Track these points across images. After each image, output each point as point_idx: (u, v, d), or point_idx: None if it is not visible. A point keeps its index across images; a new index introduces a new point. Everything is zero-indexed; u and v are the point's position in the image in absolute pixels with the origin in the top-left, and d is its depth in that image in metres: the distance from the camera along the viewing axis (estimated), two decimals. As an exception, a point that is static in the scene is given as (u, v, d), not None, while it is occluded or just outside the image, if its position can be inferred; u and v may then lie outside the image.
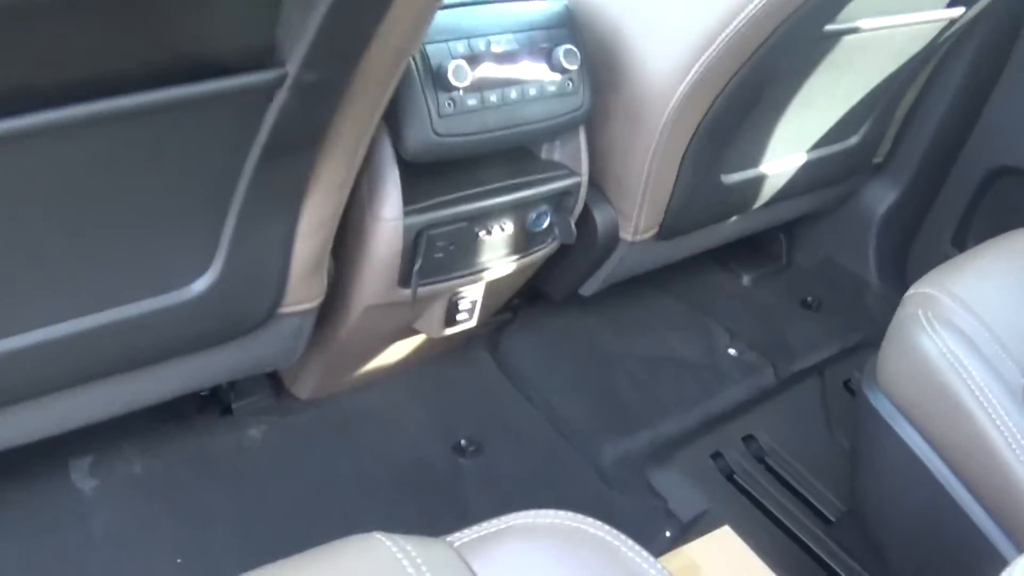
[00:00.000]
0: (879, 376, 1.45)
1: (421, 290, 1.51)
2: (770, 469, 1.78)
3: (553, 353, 1.92)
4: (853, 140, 1.94)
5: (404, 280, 1.47)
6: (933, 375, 1.35)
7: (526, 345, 1.94)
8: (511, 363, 1.90)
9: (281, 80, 1.01)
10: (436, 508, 1.62)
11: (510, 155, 1.55)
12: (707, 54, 1.45)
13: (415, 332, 1.68)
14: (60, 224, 1.05)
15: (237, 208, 1.16)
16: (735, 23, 1.40)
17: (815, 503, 1.72)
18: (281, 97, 1.02)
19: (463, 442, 1.71)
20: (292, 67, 1.00)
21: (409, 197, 1.42)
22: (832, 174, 1.99)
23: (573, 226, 1.59)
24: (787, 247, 2.32)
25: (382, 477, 1.64)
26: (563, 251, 1.72)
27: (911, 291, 1.45)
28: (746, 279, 2.25)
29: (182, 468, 1.58)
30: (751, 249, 2.26)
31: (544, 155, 1.59)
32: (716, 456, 1.77)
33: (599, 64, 1.56)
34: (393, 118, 1.34)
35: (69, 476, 1.53)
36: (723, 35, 1.42)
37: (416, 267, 1.43)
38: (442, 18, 1.36)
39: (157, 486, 1.54)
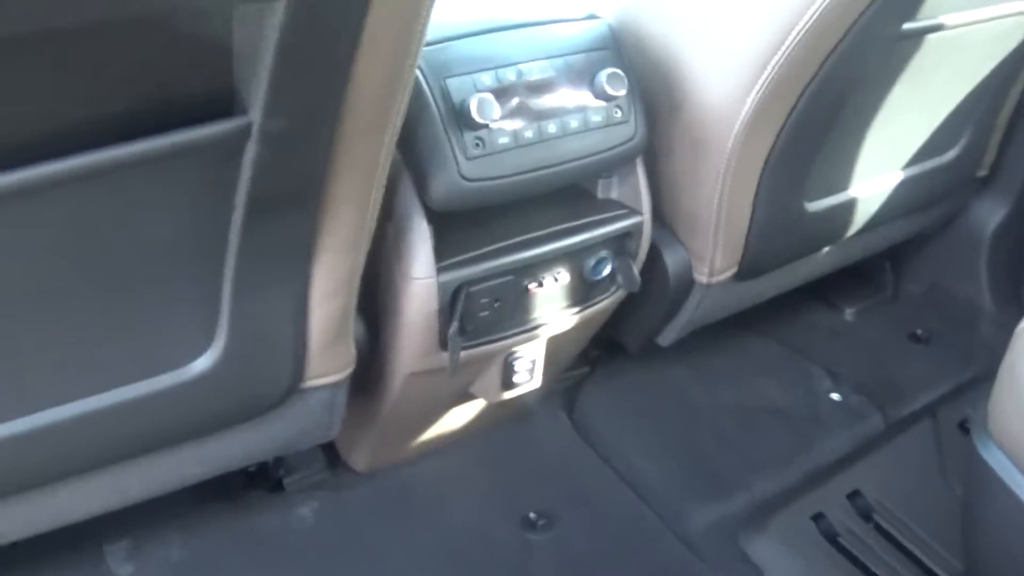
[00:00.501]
0: (991, 423, 1.25)
1: (467, 353, 1.36)
2: (879, 528, 1.57)
3: (634, 409, 1.75)
4: (952, 153, 1.73)
5: (445, 343, 1.32)
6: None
7: (605, 402, 1.77)
8: (588, 422, 1.73)
9: (246, 130, 0.91)
10: (503, 591, 1.46)
11: (560, 196, 1.40)
12: (771, 67, 1.27)
13: (474, 396, 1.52)
14: (31, 301, 0.96)
15: (231, 275, 1.04)
16: (798, 29, 1.24)
17: (930, 564, 1.51)
18: (252, 149, 0.92)
19: (532, 515, 1.54)
20: (255, 115, 0.90)
21: (444, 251, 1.28)
22: (932, 192, 1.78)
23: (636, 272, 1.42)
24: (893, 275, 2.10)
25: (443, 557, 1.48)
26: (633, 298, 1.55)
27: (1021, 326, 1.25)
28: (849, 313, 2.04)
29: (225, 551, 1.46)
30: (853, 279, 2.05)
31: (600, 194, 1.44)
32: (818, 517, 1.57)
33: (654, 89, 1.41)
34: (416, 165, 1.21)
35: (105, 561, 1.43)
36: (786, 43, 1.25)
37: (452, 330, 1.27)
38: (466, 47, 1.24)
39: (198, 572, 1.43)
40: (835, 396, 1.80)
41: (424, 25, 0.94)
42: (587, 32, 1.31)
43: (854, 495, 1.61)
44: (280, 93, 0.88)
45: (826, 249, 1.70)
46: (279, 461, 1.57)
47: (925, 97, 1.56)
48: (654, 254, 1.50)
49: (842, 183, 1.58)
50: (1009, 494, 1.21)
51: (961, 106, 1.64)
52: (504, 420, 1.70)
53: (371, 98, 0.97)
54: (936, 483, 1.64)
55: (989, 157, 1.86)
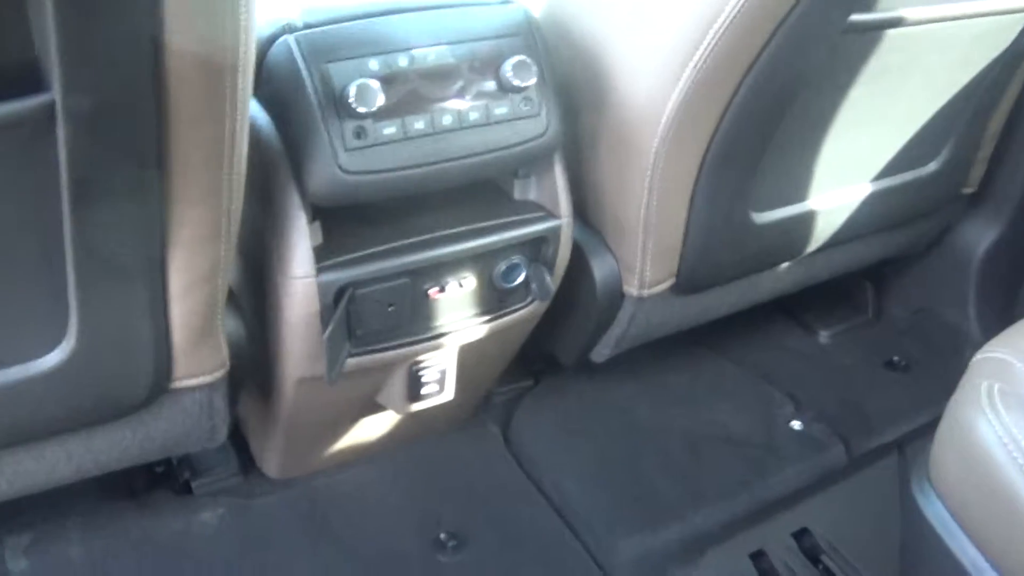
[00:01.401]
0: (931, 468, 1.12)
1: (360, 360, 1.27)
2: (826, 571, 1.43)
3: (574, 428, 1.63)
4: (932, 166, 1.58)
5: (333, 348, 1.22)
6: (990, 471, 1.01)
7: (542, 418, 1.65)
8: (522, 440, 1.62)
9: (50, 109, 0.84)
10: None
11: (471, 195, 1.30)
12: (696, 61, 1.16)
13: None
14: None
15: (72, 266, 0.97)
16: (722, 20, 1.12)
17: (873, 615, 1.38)
18: (62, 131, 0.85)
19: (443, 535, 1.44)
20: (57, 93, 0.83)
21: (333, 249, 1.19)
22: (910, 208, 1.64)
23: (550, 281, 1.31)
24: (874, 296, 1.96)
25: (345, 574, 1.38)
26: (562, 309, 1.44)
27: (979, 355, 1.13)
28: (824, 336, 1.90)
29: (123, 553, 1.39)
30: (831, 300, 1.92)
31: (517, 195, 1.33)
32: (758, 555, 1.44)
33: (579, 83, 1.29)
34: (293, 156, 1.12)
35: (4, 555, 1.37)
36: (710, 36, 1.13)
37: (326, 333, 1.17)
38: (355, 30, 1.14)
39: (89, 573, 1.36)
40: (795, 424, 1.66)
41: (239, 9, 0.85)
42: (498, 17, 1.20)
43: (802, 533, 1.48)
44: (73, 68, 0.82)
45: (784, 265, 1.56)
46: (184, 462, 1.51)
47: (894, 103, 1.42)
48: (581, 262, 1.39)
49: (796, 194, 1.44)
50: (946, 552, 1.08)
51: (940, 115, 1.49)
52: (431, 433, 1.60)
53: (193, 82, 0.88)
54: (895, 526, 1.50)
55: (977, 172, 1.70)
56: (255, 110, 1.15)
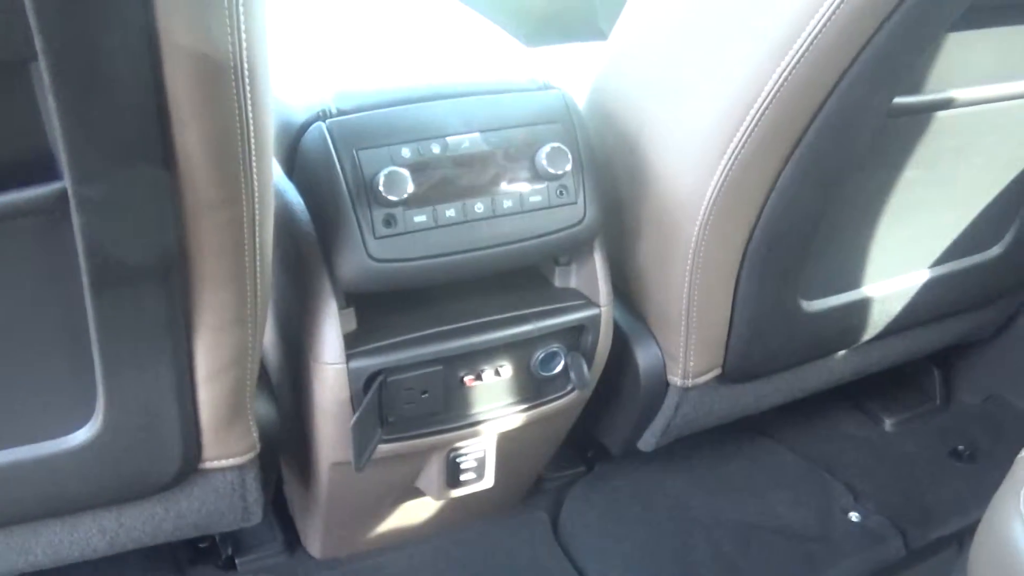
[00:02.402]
0: (969, 570, 1.06)
1: (394, 447, 1.26)
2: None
3: (625, 517, 1.59)
4: (996, 250, 1.52)
5: (365, 435, 1.21)
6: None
7: (593, 506, 1.61)
8: (571, 528, 1.58)
9: (63, 196, 0.86)
10: None
11: (511, 283, 1.28)
12: (736, 141, 1.13)
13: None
14: None
15: (97, 348, 0.98)
16: (761, 100, 1.09)
17: None
18: (77, 218, 0.87)
19: (483, 625, 1.41)
20: (68, 181, 0.84)
21: (368, 335, 1.18)
22: (974, 294, 1.58)
23: (586, 371, 1.28)
24: (942, 382, 1.88)
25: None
26: (606, 398, 1.42)
27: (1023, 453, 1.07)
28: (888, 424, 1.83)
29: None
30: (897, 386, 1.85)
31: (557, 282, 1.30)
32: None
33: (623, 169, 1.28)
34: (324, 242, 1.12)
35: None
36: (750, 116, 1.11)
37: (354, 419, 1.16)
38: (388, 117, 1.14)
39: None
40: (853, 516, 1.59)
41: (244, 91, 0.85)
42: (535, 103, 1.19)
43: (855, 630, 1.42)
44: (79, 157, 0.83)
45: (840, 354, 1.51)
46: (228, 538, 1.50)
47: (952, 186, 1.37)
48: (625, 350, 1.36)
49: (850, 281, 1.40)
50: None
51: (1002, 197, 1.44)
52: (477, 518, 1.57)
53: (205, 168, 0.89)
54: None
55: (1044, 256, 1.63)
56: (291, 195, 1.16)
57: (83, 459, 1.07)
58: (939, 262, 1.48)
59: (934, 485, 1.69)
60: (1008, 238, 1.52)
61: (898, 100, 1.17)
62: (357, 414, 1.16)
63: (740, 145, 1.13)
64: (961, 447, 1.76)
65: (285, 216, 1.16)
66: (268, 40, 0.88)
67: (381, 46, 1.36)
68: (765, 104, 1.09)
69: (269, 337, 1.30)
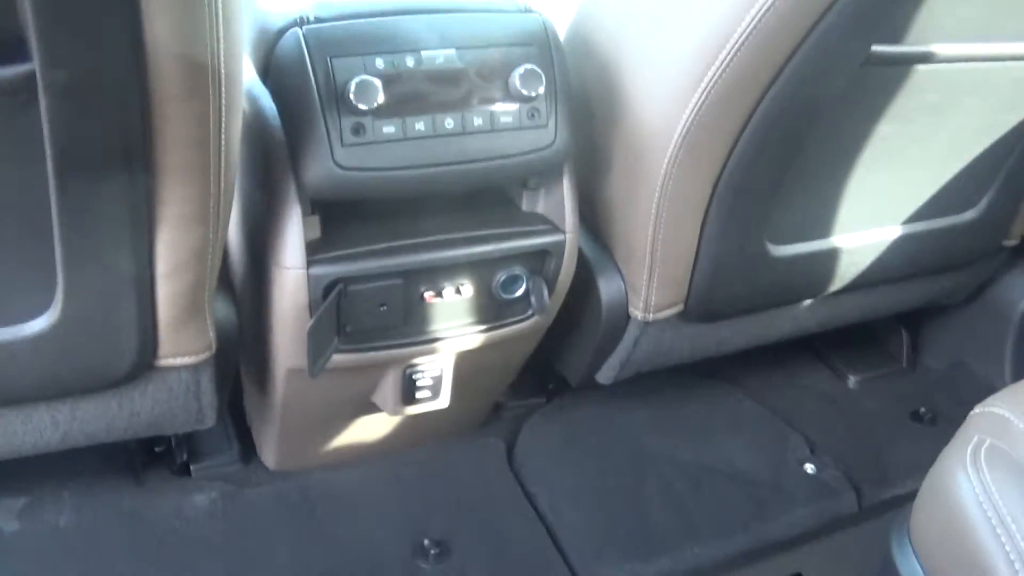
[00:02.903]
0: (912, 524, 1.07)
1: (351, 358, 1.26)
2: (812, 620, 1.39)
3: (580, 449, 1.61)
4: (970, 214, 1.52)
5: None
6: (966, 532, 0.97)
7: (549, 437, 1.63)
8: (525, 456, 1.60)
9: (30, 79, 0.86)
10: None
11: (477, 204, 1.28)
12: (709, 76, 1.13)
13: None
14: None
15: (59, 236, 0.98)
16: (737, 36, 1.09)
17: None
18: (44, 101, 0.87)
19: (426, 542, 1.42)
20: (37, 64, 0.85)
21: (329, 244, 1.18)
22: (945, 257, 1.58)
23: (546, 295, 1.29)
24: (910, 345, 1.89)
25: (322, 573, 1.37)
26: (568, 326, 1.42)
27: (978, 408, 1.08)
28: (853, 381, 1.84)
29: (110, 527, 1.41)
30: (864, 345, 1.86)
31: (525, 206, 1.31)
32: (745, 596, 1.39)
33: (598, 98, 1.28)
34: (292, 147, 1.12)
35: None
36: (724, 51, 1.11)
37: (310, 324, 1.17)
38: (364, 28, 1.14)
39: (77, 542, 1.38)
40: (809, 468, 1.61)
41: None
42: (513, 25, 1.19)
43: (794, 578, 1.43)
44: (49, 39, 0.83)
45: (806, 303, 1.52)
46: (184, 444, 1.52)
47: (929, 144, 1.36)
48: (589, 279, 1.37)
49: (819, 230, 1.40)
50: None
51: (980, 160, 1.43)
52: (433, 440, 1.59)
53: (173, 59, 0.89)
54: (894, 581, 1.45)
55: (1020, 225, 1.63)
56: (264, 100, 1.16)
57: (39, 347, 1.07)
58: (911, 220, 1.48)
59: (892, 445, 1.70)
60: (983, 203, 1.52)
61: (876, 48, 1.16)
62: (313, 319, 1.17)
63: (714, 79, 1.13)
64: (923, 410, 1.77)
65: (256, 120, 1.16)
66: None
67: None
68: (740, 41, 1.09)
69: (234, 241, 1.31)
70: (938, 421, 1.75)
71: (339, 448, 1.52)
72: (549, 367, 1.61)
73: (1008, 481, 0.97)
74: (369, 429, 1.50)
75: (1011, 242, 1.65)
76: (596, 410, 1.68)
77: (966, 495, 0.97)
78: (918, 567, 1.05)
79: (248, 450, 1.56)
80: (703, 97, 1.15)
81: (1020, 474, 0.97)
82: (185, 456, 1.51)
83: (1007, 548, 0.92)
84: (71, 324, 1.06)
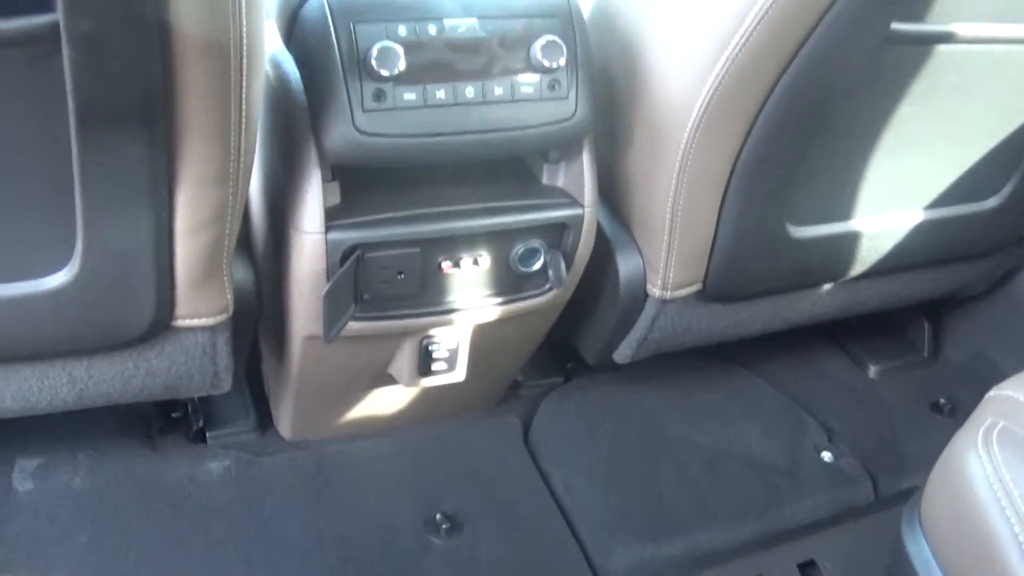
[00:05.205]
0: (923, 507, 1.06)
1: (367, 326, 1.27)
2: (824, 607, 1.38)
3: (596, 430, 1.60)
4: (992, 201, 1.51)
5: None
6: (976, 513, 0.96)
7: (566, 416, 1.63)
8: (541, 434, 1.60)
9: (54, 30, 0.87)
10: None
11: (497, 175, 1.29)
12: (729, 51, 1.13)
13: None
14: None
15: (79, 190, 0.99)
16: (757, 11, 1.09)
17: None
18: (67, 53, 0.88)
19: (438, 516, 1.42)
20: (61, 14, 0.86)
21: (348, 210, 1.19)
22: (966, 245, 1.56)
23: (564, 269, 1.29)
24: (931, 336, 1.87)
25: (333, 544, 1.38)
26: (585, 303, 1.43)
27: (993, 391, 1.07)
28: (873, 370, 1.83)
29: (123, 489, 1.42)
30: (885, 333, 1.85)
31: (545, 180, 1.31)
32: (757, 581, 1.39)
33: (620, 73, 1.28)
34: (314, 111, 1.12)
35: (11, 474, 1.42)
36: (744, 26, 1.10)
37: (325, 289, 1.17)
38: (391, -7, 1.13)
39: (90, 503, 1.39)
40: (825, 456, 1.60)
41: None
42: (538, -4, 1.19)
43: (808, 565, 1.42)
44: None
45: (826, 287, 1.51)
46: (201, 411, 1.53)
47: (950, 127, 1.35)
48: (607, 256, 1.37)
49: (839, 212, 1.39)
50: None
51: (1003, 146, 1.42)
52: (450, 416, 1.59)
53: (196, 13, 0.90)
54: (909, 569, 1.44)
55: (1045, 216, 1.61)
56: (287, 64, 1.17)
57: (58, 303, 1.08)
58: (933, 206, 1.46)
59: (911, 435, 1.69)
60: (1006, 191, 1.50)
61: (896, 26, 1.16)
62: (329, 284, 1.18)
63: (733, 55, 1.13)
64: (942, 400, 1.76)
65: (279, 84, 1.17)
66: None
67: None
68: (759, 18, 1.09)
69: (255, 204, 1.31)
70: (957, 412, 1.74)
71: (355, 420, 1.52)
72: (568, 346, 1.61)
73: (1019, 461, 0.96)
74: (385, 402, 1.51)
75: (1031, 232, 1.64)
76: (614, 391, 1.68)
77: (976, 475, 0.97)
78: (927, 549, 1.04)
79: (264, 419, 1.57)
80: (723, 73, 1.14)
81: (1034, 456, 0.96)
82: (201, 423, 1.52)
83: (1016, 529, 0.92)
84: (89, 280, 1.07)
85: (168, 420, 1.53)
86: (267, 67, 1.18)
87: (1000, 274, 1.72)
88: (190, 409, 1.52)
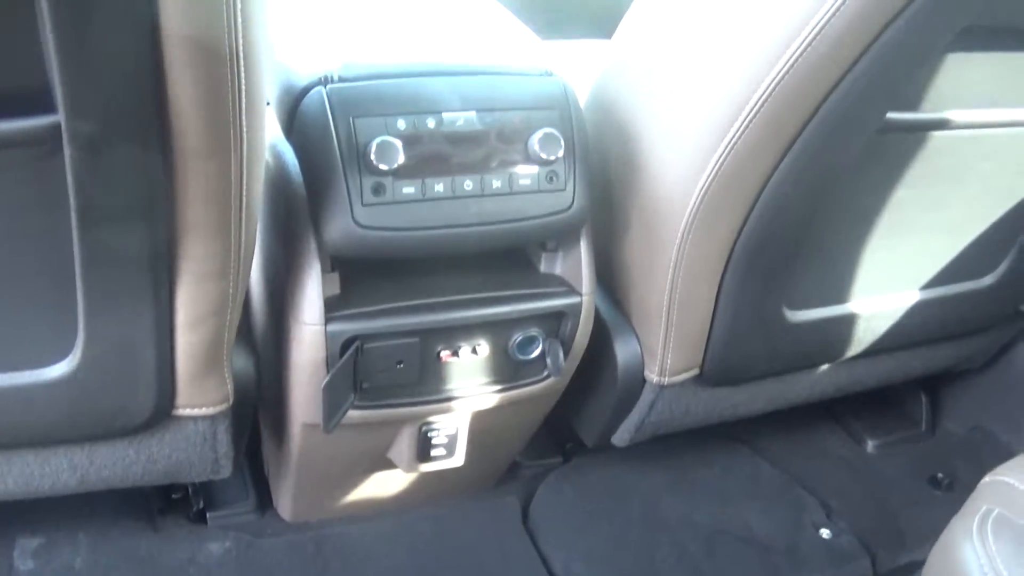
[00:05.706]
0: (921, 588, 1.06)
1: (366, 414, 1.27)
2: None
3: (595, 511, 1.60)
4: (988, 279, 1.52)
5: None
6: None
7: (565, 497, 1.62)
8: (540, 517, 1.59)
9: (55, 130, 0.88)
10: None
11: (497, 264, 1.29)
12: (726, 143, 1.14)
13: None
14: None
15: (81, 284, 1.01)
16: (753, 103, 1.10)
17: None
18: (68, 153, 0.89)
19: (437, 603, 1.42)
20: (62, 115, 0.87)
21: (348, 301, 1.19)
22: (963, 322, 1.57)
23: (562, 357, 1.29)
24: (929, 409, 1.88)
25: (334, 629, 1.38)
26: (584, 387, 1.43)
27: (988, 477, 1.07)
28: (871, 445, 1.83)
29: (125, 570, 1.42)
30: (883, 409, 1.85)
31: (543, 268, 1.32)
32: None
33: (617, 162, 1.29)
34: (314, 205, 1.13)
35: (12, 553, 1.42)
36: (740, 119, 1.12)
37: (325, 380, 1.18)
38: (387, 88, 1.15)
39: (89, 585, 1.38)
40: (824, 532, 1.60)
41: (236, 42, 0.87)
42: (534, 88, 1.20)
43: (809, 645, 1.42)
44: (74, 92, 0.86)
45: (824, 367, 1.52)
46: (201, 492, 1.53)
47: (945, 210, 1.37)
48: (605, 341, 1.37)
49: (836, 295, 1.40)
50: None
51: (998, 226, 1.43)
52: (449, 497, 1.59)
53: (197, 118, 0.91)
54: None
55: (1037, 291, 1.63)
56: (287, 156, 1.18)
57: (59, 392, 1.09)
58: (929, 286, 1.48)
59: (909, 511, 1.69)
60: (1002, 269, 1.51)
61: (892, 115, 1.17)
62: (329, 376, 1.18)
63: (730, 146, 1.14)
64: (941, 475, 1.76)
65: (279, 176, 1.18)
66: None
67: (396, 23, 1.37)
68: (756, 109, 1.10)
69: (256, 294, 1.32)
70: (956, 487, 1.74)
71: (355, 502, 1.52)
72: (567, 426, 1.61)
73: (1014, 551, 0.97)
74: (385, 484, 1.51)
75: (1027, 307, 1.65)
76: (612, 471, 1.68)
77: (971, 565, 0.97)
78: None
79: (265, 500, 1.56)
80: (720, 163, 1.16)
81: (1033, 548, 0.97)
82: (201, 504, 1.52)
83: (1014, 622, 0.92)
84: (90, 371, 1.08)
85: (169, 501, 1.53)
86: (267, 156, 1.19)
87: (996, 348, 1.73)
88: (191, 490, 1.52)
